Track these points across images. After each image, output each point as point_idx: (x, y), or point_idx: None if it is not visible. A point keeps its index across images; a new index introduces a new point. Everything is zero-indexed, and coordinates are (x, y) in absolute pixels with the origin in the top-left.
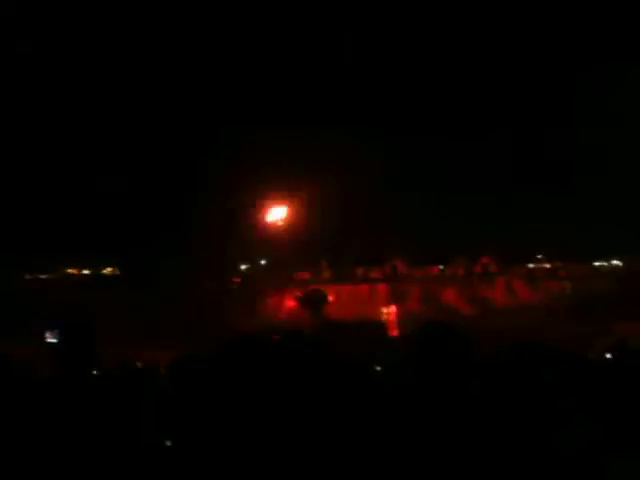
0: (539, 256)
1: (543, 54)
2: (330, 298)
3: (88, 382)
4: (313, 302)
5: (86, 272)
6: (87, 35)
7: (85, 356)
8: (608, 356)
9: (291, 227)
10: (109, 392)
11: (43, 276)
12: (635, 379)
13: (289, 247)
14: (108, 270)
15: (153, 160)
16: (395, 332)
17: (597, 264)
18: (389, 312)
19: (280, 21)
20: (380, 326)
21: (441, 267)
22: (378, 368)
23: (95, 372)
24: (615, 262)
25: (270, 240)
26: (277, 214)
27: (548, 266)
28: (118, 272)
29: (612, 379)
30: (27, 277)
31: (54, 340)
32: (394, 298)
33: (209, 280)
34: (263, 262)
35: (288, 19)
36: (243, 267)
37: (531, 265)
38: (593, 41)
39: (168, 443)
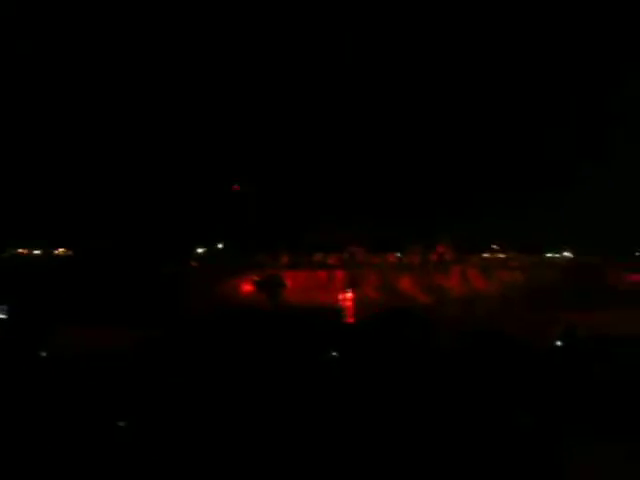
0: (493, 246)
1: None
2: (288, 283)
3: (34, 361)
4: (270, 286)
5: (37, 252)
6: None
7: (33, 334)
8: (558, 343)
9: (250, 211)
10: (59, 373)
11: None
12: (583, 364)
13: (248, 232)
14: (60, 250)
15: (110, 142)
16: (351, 318)
17: (548, 255)
18: (346, 298)
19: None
20: (337, 312)
21: (398, 255)
22: (334, 353)
23: (44, 353)
24: (566, 254)
25: (229, 224)
26: (236, 197)
27: (502, 256)
28: (70, 253)
29: (562, 364)
30: None
31: (2, 316)
32: (351, 284)
33: (167, 263)
34: (220, 246)
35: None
36: (200, 250)
37: (485, 255)
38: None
39: (122, 424)
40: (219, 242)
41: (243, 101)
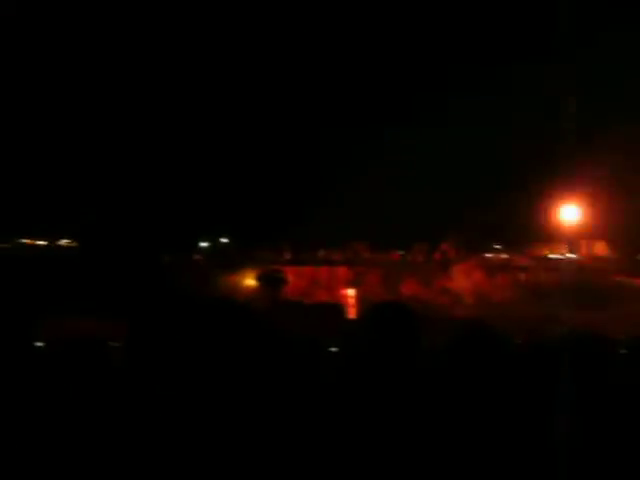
0: (496, 246)
1: None
2: (289, 279)
3: (24, 352)
4: (271, 282)
5: (41, 242)
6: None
7: (24, 324)
8: (558, 343)
9: (258, 206)
10: (56, 363)
11: None
12: (579, 365)
13: (251, 226)
14: (65, 241)
15: (114, 131)
16: (353, 315)
17: (551, 256)
18: (348, 295)
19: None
20: (338, 308)
21: (401, 252)
22: (334, 349)
23: (36, 343)
24: (569, 255)
25: (232, 218)
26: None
27: (505, 256)
28: (75, 243)
29: (558, 365)
30: None
31: None
32: (354, 281)
33: (168, 254)
34: (224, 240)
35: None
36: (204, 244)
37: (488, 255)
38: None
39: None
40: (223, 237)
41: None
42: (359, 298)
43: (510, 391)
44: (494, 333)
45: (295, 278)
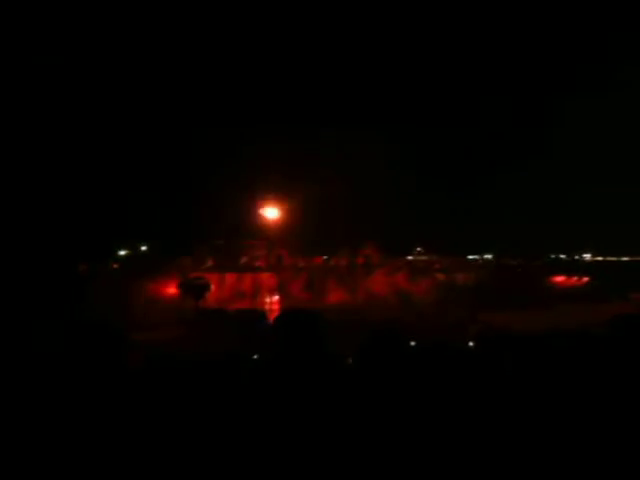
0: (418, 249)
1: None
2: (213, 286)
3: None
4: (195, 289)
5: None
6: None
7: None
8: (471, 344)
9: (172, 211)
10: None
11: None
12: (493, 365)
13: (172, 233)
14: None
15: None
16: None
17: (470, 257)
18: (272, 301)
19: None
20: (261, 315)
21: (325, 257)
22: (256, 356)
23: None
24: (487, 256)
25: (152, 225)
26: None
27: (425, 259)
28: None
29: (472, 365)
30: None
31: None
32: (277, 287)
33: (84, 264)
34: (144, 248)
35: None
36: (123, 252)
37: (410, 257)
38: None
39: None
40: (143, 245)
41: None
42: (283, 303)
43: (404, 395)
44: (399, 336)
45: (218, 285)
